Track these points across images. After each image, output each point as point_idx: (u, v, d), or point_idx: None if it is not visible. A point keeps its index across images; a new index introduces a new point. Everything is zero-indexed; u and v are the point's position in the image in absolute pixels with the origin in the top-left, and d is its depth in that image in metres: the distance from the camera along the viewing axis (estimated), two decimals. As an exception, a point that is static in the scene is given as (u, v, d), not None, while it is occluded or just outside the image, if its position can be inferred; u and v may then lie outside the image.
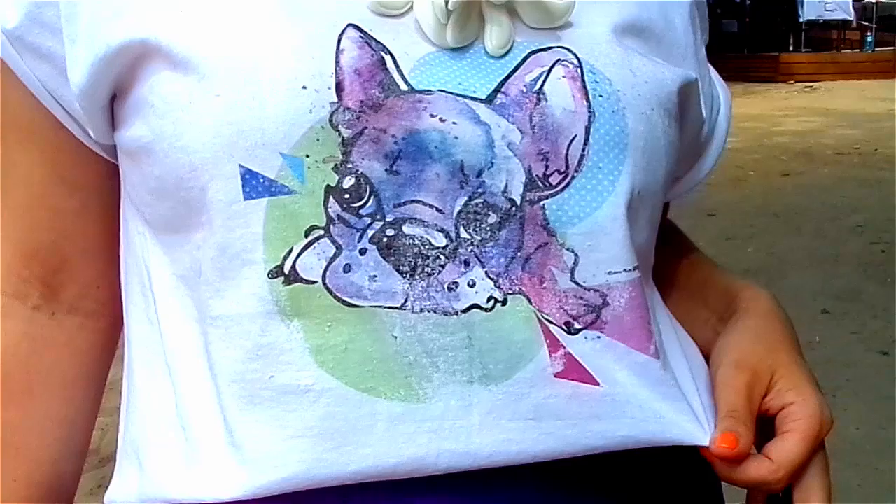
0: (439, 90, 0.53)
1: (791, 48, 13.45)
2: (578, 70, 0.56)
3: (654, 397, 0.57)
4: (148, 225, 0.59)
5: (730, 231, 4.91)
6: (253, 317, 0.53)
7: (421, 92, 0.52)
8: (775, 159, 7.02)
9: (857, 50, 13.53)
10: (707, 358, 0.66)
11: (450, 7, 0.53)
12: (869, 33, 13.39)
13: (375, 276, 0.52)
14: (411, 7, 0.55)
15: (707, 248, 0.77)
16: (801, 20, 12.99)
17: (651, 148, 0.58)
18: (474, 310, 0.53)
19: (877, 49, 13.39)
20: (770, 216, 5.36)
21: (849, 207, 5.48)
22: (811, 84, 11.94)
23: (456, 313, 0.53)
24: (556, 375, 0.55)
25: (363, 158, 0.51)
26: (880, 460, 2.58)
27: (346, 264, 0.52)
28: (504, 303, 0.54)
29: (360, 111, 0.51)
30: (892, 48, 13.30)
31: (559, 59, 0.56)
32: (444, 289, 0.53)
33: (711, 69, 0.71)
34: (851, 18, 12.69)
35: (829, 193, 5.86)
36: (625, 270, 0.57)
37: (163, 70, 0.53)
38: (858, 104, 9.90)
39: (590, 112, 0.55)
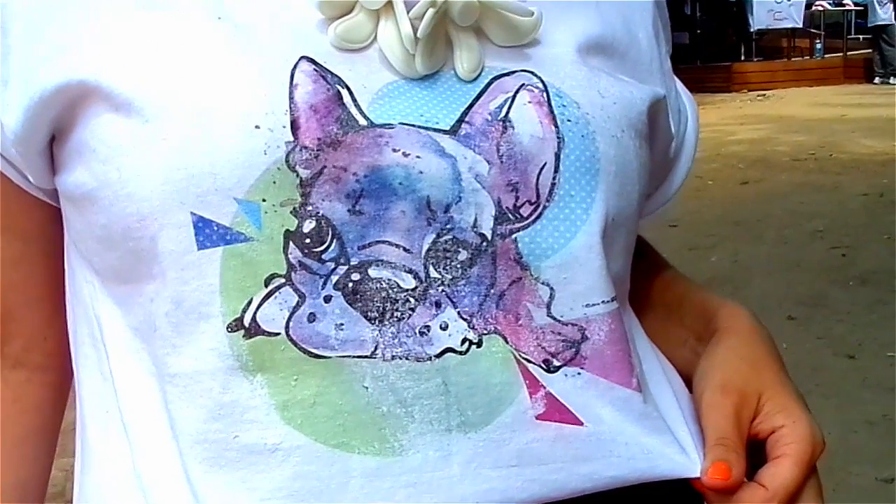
0: (400, 123, 0.51)
1: (743, 58, 13.63)
2: (544, 94, 0.54)
3: (641, 432, 0.56)
4: (96, 274, 0.56)
5: (692, 241, 4.94)
6: (213, 373, 0.50)
7: (381, 126, 0.50)
8: (733, 168, 7.09)
9: (808, 57, 13.74)
10: (687, 380, 0.64)
11: (419, 35, 0.51)
12: (818, 41, 13.61)
13: (342, 325, 0.50)
14: (374, 39, 0.52)
15: (670, 259, 0.76)
16: (751, 30, 13.17)
17: (623, 172, 0.56)
18: (448, 354, 0.51)
19: (826, 56, 13.63)
20: (731, 224, 5.41)
21: (808, 213, 5.55)
22: (764, 92, 12.08)
23: (429, 359, 0.51)
24: (537, 417, 0.53)
25: (323, 199, 0.49)
26: (853, 464, 2.60)
27: (311, 313, 0.50)
28: (479, 344, 0.52)
29: (318, 149, 0.49)
30: (840, 55, 13.55)
31: (523, 84, 0.54)
32: (415, 333, 0.51)
33: (677, 81, 0.69)
34: (800, 25, 12.88)
35: (788, 200, 5.93)
36: (602, 302, 0.55)
37: (104, 113, 0.50)
38: (811, 110, 10.04)
39: (559, 138, 0.53)
